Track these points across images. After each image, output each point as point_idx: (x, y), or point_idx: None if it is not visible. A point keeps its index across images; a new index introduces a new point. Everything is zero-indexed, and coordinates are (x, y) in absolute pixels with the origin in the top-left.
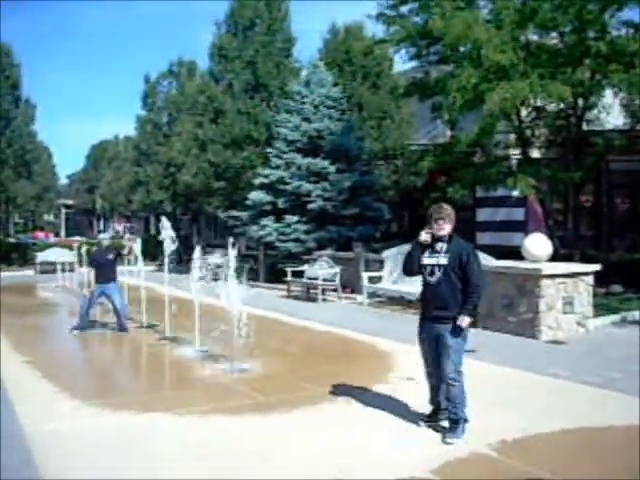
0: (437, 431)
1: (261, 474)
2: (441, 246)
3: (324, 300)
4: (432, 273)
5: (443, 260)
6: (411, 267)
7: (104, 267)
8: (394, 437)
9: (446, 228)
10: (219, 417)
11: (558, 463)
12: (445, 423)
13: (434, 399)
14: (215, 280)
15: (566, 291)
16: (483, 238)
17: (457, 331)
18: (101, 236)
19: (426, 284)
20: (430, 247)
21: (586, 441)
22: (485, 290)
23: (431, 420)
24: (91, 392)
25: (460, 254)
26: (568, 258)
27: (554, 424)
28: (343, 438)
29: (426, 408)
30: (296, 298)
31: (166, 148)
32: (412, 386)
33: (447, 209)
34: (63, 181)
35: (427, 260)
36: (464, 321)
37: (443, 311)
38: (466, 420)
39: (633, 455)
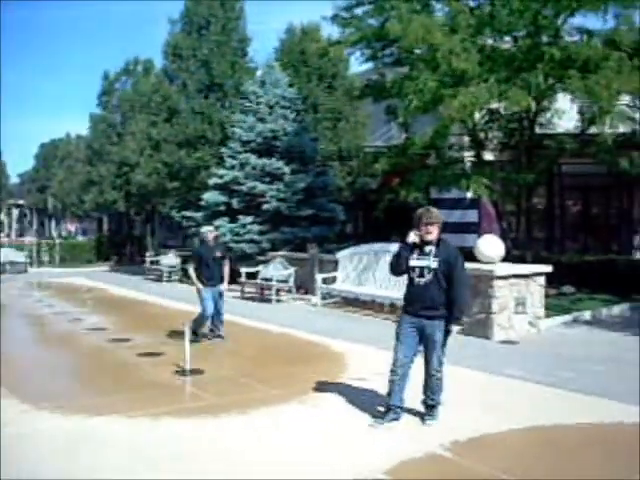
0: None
1: (213, 475)
2: (430, 249)
3: (278, 301)
4: (421, 275)
5: (434, 264)
6: (399, 267)
7: (212, 266)
8: (347, 438)
9: (434, 232)
10: (171, 419)
11: (510, 462)
12: (421, 409)
13: (392, 396)
14: (169, 281)
15: (518, 292)
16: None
17: (447, 334)
18: (204, 229)
19: (414, 284)
20: (418, 249)
21: (537, 440)
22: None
23: (385, 419)
24: (41, 395)
25: (448, 258)
26: (520, 259)
27: (506, 424)
28: (295, 439)
29: (380, 408)
30: (250, 299)
31: (119, 147)
32: (365, 387)
33: (436, 213)
34: (14, 180)
35: (416, 262)
36: (454, 329)
37: (432, 310)
38: (440, 404)
39: (583, 453)
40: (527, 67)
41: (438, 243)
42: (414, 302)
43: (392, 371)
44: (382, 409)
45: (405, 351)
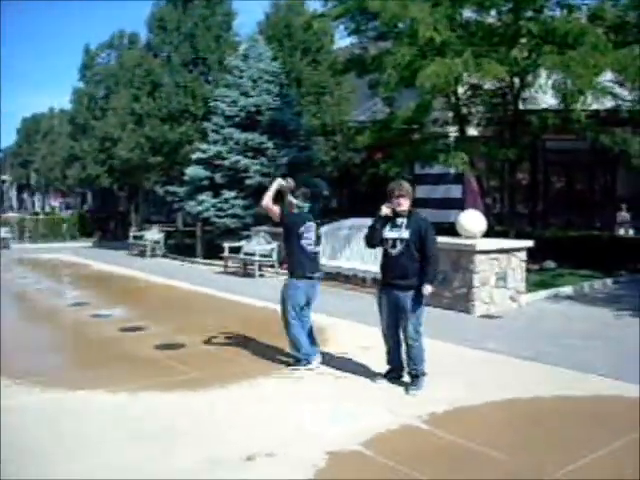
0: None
1: (192, 451)
2: (401, 221)
3: (261, 276)
4: (394, 246)
5: (405, 234)
6: (373, 239)
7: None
8: (326, 411)
9: (405, 204)
10: (151, 393)
11: (488, 435)
12: (405, 379)
13: (390, 359)
14: (153, 256)
15: (500, 267)
16: (422, 214)
17: (419, 298)
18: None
19: (387, 256)
20: (391, 221)
21: (515, 413)
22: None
23: (387, 377)
24: (20, 370)
25: (419, 229)
26: (504, 235)
27: (485, 396)
28: (275, 413)
29: (360, 383)
30: (233, 274)
31: (102, 122)
32: (345, 360)
33: (406, 186)
34: None
35: (389, 234)
36: (427, 289)
37: (404, 280)
38: (424, 374)
39: (560, 426)
40: (506, 41)
41: (409, 215)
42: (387, 273)
43: (384, 339)
44: (386, 368)
45: (386, 321)
